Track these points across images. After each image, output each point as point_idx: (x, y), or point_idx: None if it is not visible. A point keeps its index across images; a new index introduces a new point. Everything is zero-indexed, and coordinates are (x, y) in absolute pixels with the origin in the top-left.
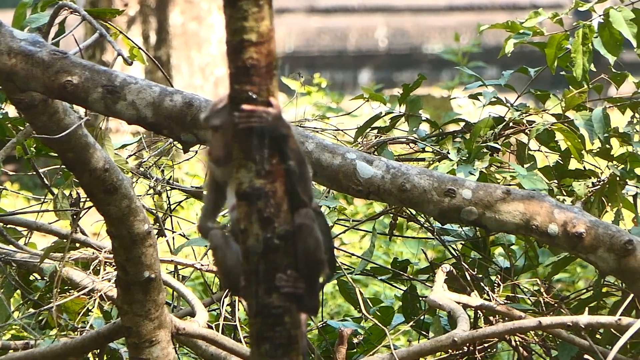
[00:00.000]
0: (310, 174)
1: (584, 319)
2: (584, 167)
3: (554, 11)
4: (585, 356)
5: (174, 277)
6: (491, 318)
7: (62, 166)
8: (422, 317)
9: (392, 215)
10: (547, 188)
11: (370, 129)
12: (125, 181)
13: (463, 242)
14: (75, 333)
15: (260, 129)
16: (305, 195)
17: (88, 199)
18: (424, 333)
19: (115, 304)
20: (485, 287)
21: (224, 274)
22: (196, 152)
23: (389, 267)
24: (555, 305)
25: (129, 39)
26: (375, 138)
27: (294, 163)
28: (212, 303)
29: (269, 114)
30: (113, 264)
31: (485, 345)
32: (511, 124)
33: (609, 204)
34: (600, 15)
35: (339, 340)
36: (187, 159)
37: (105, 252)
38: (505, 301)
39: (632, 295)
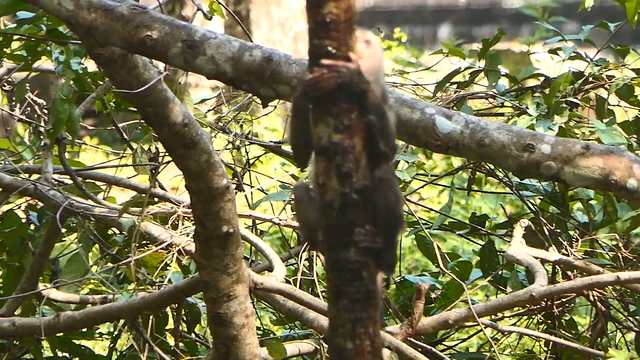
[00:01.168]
0: (393, 127)
1: None
2: None
3: None
4: None
5: (252, 232)
6: (569, 273)
7: (141, 121)
8: (500, 272)
9: (470, 170)
10: (626, 143)
11: (449, 83)
12: (204, 136)
13: (541, 197)
14: (153, 287)
15: (339, 84)
16: (388, 147)
17: (167, 154)
18: (502, 288)
19: (194, 258)
20: (563, 242)
21: (305, 227)
22: (275, 106)
23: (467, 222)
24: (634, 260)
25: None
26: (455, 93)
27: (374, 117)
28: (290, 258)
29: (349, 68)
30: (191, 218)
31: (563, 300)
32: (590, 79)
33: None
34: None
35: (417, 295)
36: (266, 114)
37: (183, 206)
38: (584, 256)
39: None
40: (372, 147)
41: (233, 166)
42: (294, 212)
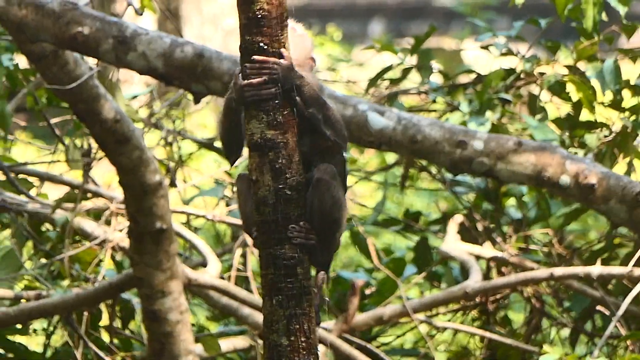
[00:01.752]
0: (338, 114)
1: (596, 270)
2: (595, 118)
3: None
4: (597, 307)
5: (186, 228)
6: (503, 269)
7: (73, 117)
8: (434, 269)
9: (404, 166)
10: (558, 139)
11: (381, 80)
12: (137, 132)
13: (475, 193)
14: (88, 283)
15: (272, 80)
16: (338, 136)
17: (99, 150)
18: (436, 284)
19: (127, 254)
20: (497, 238)
21: (245, 219)
22: (207, 102)
23: (401, 218)
24: (567, 256)
25: None
26: (387, 89)
27: (315, 109)
28: (224, 253)
29: (280, 65)
30: (125, 214)
31: (498, 296)
32: (522, 75)
33: (621, 156)
34: None
35: (351, 291)
36: (198, 110)
37: (116, 202)
38: (518, 252)
39: None
40: (317, 141)
41: (166, 162)
42: (237, 203)
